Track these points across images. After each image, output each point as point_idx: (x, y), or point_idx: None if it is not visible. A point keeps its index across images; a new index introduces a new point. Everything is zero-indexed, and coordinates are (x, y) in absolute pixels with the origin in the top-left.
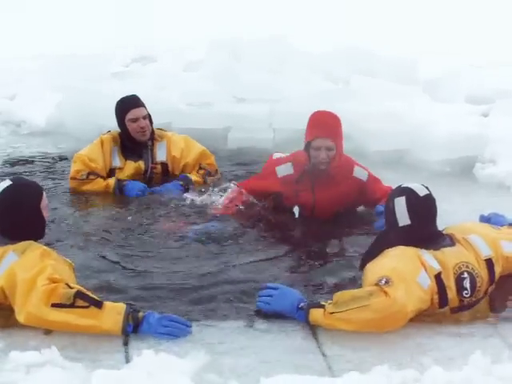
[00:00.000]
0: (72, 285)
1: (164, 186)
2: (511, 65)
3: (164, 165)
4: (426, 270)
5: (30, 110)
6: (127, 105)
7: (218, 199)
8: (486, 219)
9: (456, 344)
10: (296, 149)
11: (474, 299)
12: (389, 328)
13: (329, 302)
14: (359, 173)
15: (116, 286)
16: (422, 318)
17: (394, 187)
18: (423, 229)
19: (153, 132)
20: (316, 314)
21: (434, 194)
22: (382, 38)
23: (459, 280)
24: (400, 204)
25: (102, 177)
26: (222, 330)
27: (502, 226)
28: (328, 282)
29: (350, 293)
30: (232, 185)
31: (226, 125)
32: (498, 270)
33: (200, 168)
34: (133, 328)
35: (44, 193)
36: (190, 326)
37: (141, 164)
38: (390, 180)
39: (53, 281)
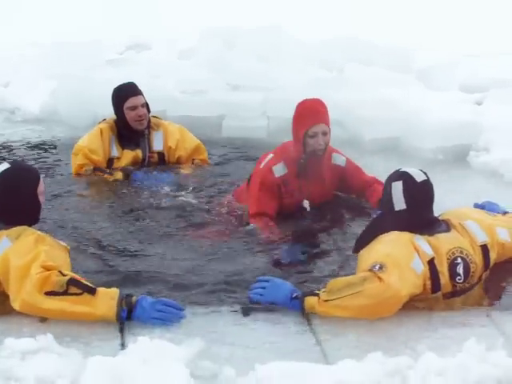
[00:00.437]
0: (65, 272)
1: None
2: (505, 54)
3: (160, 154)
4: (419, 255)
5: (24, 98)
6: (125, 93)
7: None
8: (480, 207)
9: (450, 331)
10: (290, 137)
11: (467, 285)
12: (383, 313)
13: (322, 290)
14: (337, 159)
15: (110, 271)
16: (415, 304)
17: (377, 177)
18: (419, 214)
19: (149, 120)
20: (311, 302)
21: None
22: (377, 27)
23: (452, 265)
24: (397, 188)
25: (105, 171)
26: (216, 317)
27: (496, 214)
28: (320, 272)
29: (343, 280)
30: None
31: (220, 113)
32: (493, 256)
33: (193, 163)
34: (127, 312)
35: (41, 178)
36: (183, 310)
37: (138, 153)
38: (385, 168)
39: (46, 268)
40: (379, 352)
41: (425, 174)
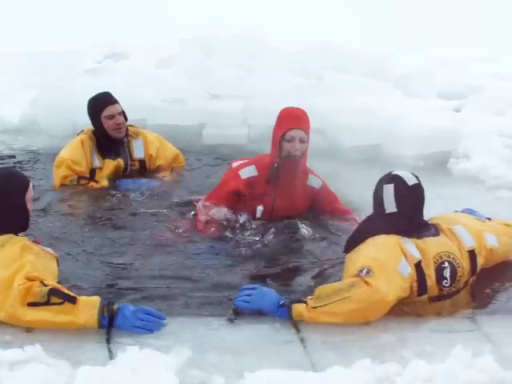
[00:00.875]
0: (46, 282)
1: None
2: (483, 60)
3: (142, 161)
4: (406, 258)
5: (2, 108)
6: (102, 102)
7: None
8: None
9: (436, 337)
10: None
11: (453, 289)
12: (371, 318)
13: (309, 297)
14: (313, 181)
15: (95, 279)
16: (401, 307)
17: (353, 213)
18: (409, 217)
19: (127, 129)
20: (299, 309)
21: None
22: (353, 33)
23: (439, 269)
24: (388, 191)
25: (90, 180)
26: (204, 325)
27: (485, 219)
28: (304, 280)
29: (331, 286)
30: (198, 204)
31: (200, 121)
32: (480, 261)
33: (172, 171)
34: (108, 320)
35: (30, 184)
36: (165, 319)
37: (120, 161)
38: (367, 177)
39: (30, 279)
40: (367, 359)
41: (416, 177)
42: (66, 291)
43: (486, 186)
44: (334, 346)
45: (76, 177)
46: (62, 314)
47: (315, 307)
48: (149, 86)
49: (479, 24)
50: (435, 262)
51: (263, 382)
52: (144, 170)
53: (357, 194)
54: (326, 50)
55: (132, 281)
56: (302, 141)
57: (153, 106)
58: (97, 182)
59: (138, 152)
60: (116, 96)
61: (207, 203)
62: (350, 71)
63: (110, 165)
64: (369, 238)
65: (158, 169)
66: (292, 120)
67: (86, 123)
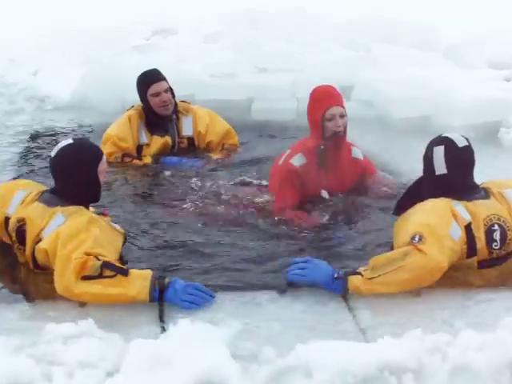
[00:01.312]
0: (100, 257)
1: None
2: None
3: (190, 139)
4: (456, 220)
5: (53, 85)
6: (148, 79)
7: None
8: None
9: (486, 307)
10: None
11: (503, 252)
12: (426, 284)
13: (363, 268)
14: (356, 152)
15: (145, 256)
16: (452, 274)
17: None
18: (459, 179)
19: (176, 105)
20: (355, 281)
21: None
22: (403, 5)
23: (489, 232)
24: (438, 153)
25: (134, 157)
26: (254, 299)
27: None
28: (353, 252)
29: (385, 256)
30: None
31: (249, 95)
32: None
33: (223, 148)
34: (159, 293)
35: (104, 157)
36: (214, 297)
37: (167, 139)
38: (417, 147)
39: (87, 254)
40: (418, 329)
41: (466, 139)
42: (117, 264)
43: None
44: (384, 317)
45: (120, 154)
46: (114, 287)
47: (371, 278)
48: (197, 62)
49: None
50: (485, 225)
51: (315, 354)
52: (193, 147)
53: (406, 166)
54: (373, 22)
55: (183, 257)
56: (341, 116)
57: (201, 82)
58: (140, 159)
59: (187, 129)
60: (164, 72)
61: (288, 211)
62: (398, 43)
63: (157, 142)
64: (417, 203)
65: (209, 145)
66: (328, 98)
67: (135, 100)
